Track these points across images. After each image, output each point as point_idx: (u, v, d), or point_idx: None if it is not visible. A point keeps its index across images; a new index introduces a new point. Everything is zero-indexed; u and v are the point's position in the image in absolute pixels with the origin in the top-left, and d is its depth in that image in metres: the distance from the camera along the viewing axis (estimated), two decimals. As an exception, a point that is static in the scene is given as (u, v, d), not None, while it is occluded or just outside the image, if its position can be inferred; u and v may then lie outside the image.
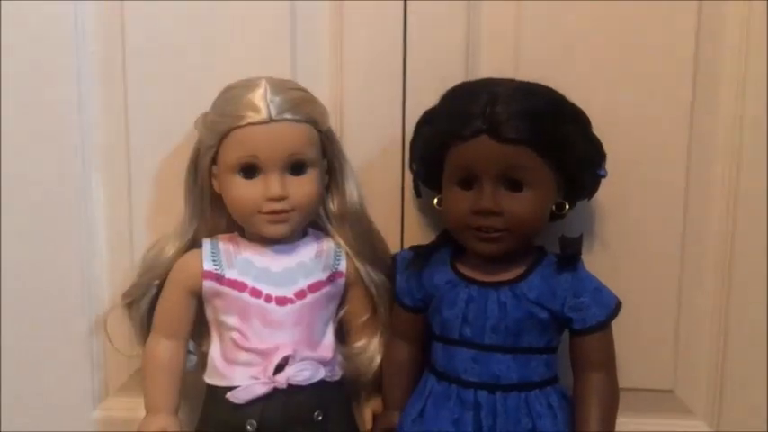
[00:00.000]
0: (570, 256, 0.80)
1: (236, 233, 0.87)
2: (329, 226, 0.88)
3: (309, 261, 0.85)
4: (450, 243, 0.84)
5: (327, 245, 0.87)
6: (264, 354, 0.81)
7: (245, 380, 0.81)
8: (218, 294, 0.83)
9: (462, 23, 0.88)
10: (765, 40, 0.86)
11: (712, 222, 0.90)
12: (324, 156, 0.85)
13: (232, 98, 0.81)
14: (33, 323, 0.94)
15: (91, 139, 0.91)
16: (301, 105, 0.81)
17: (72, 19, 0.89)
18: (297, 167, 0.81)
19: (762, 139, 0.88)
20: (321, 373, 0.83)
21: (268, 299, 0.82)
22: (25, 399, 0.95)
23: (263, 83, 0.81)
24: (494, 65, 0.87)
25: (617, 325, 0.81)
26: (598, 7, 0.87)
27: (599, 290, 0.80)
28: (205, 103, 0.84)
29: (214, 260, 0.83)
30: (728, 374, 0.93)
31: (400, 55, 0.89)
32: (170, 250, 0.85)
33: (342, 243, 0.87)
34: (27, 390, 0.95)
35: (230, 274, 0.83)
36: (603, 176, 0.83)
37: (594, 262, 0.86)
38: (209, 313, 0.85)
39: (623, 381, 0.83)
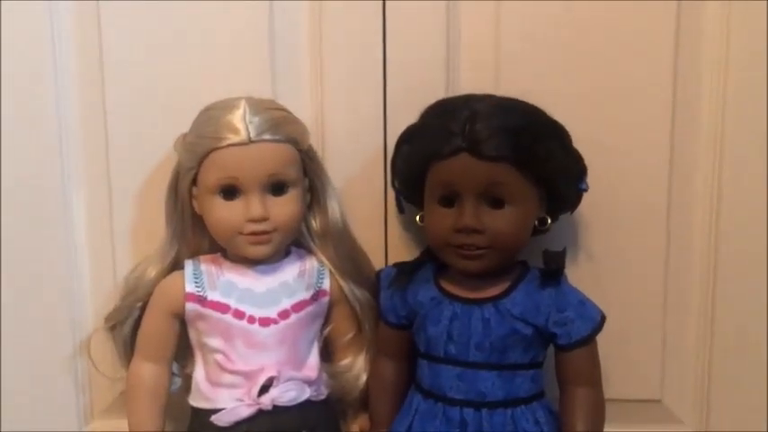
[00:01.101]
0: (554, 271, 0.80)
1: (218, 254, 0.86)
2: (312, 244, 0.87)
3: (292, 280, 0.84)
4: (433, 260, 0.84)
5: (310, 263, 0.86)
6: (249, 375, 0.81)
7: (229, 402, 0.81)
8: (200, 316, 0.82)
9: (441, 38, 0.88)
10: (744, 49, 0.87)
11: (695, 232, 0.90)
12: (305, 174, 0.85)
13: (211, 119, 0.80)
14: (17, 347, 0.93)
15: (71, 161, 0.91)
16: (281, 125, 0.81)
17: (50, 38, 0.89)
18: (277, 187, 0.81)
19: (743, 149, 0.88)
20: (306, 393, 0.83)
21: (251, 320, 0.82)
22: (11, 422, 0.94)
23: (242, 103, 0.80)
24: (474, 79, 0.87)
25: (603, 336, 0.81)
26: (578, 18, 0.87)
27: (583, 303, 0.80)
28: (185, 123, 0.83)
29: (196, 282, 0.83)
30: (715, 383, 0.93)
31: (380, 71, 0.89)
32: (152, 272, 0.85)
33: (325, 261, 0.86)
34: (13, 413, 0.94)
35: (213, 295, 0.82)
36: (585, 190, 0.83)
37: (579, 275, 0.86)
38: (192, 335, 0.84)
39: (611, 392, 0.83)
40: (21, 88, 0.89)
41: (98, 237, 0.92)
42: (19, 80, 0.89)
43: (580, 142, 0.81)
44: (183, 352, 0.87)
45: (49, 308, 0.92)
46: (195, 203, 0.84)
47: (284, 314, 0.83)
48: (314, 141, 0.86)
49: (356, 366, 0.88)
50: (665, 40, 0.87)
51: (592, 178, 0.83)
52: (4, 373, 0.93)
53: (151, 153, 0.90)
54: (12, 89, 0.89)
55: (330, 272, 0.86)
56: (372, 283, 0.87)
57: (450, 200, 0.78)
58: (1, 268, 0.92)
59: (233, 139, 0.79)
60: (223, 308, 0.82)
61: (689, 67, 0.87)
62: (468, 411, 0.79)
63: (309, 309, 0.84)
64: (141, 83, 0.89)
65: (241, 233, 0.80)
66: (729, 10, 0.86)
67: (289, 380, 0.81)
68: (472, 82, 0.86)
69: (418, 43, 0.88)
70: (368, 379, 0.88)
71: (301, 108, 0.86)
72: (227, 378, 0.81)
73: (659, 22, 0.87)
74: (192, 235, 0.86)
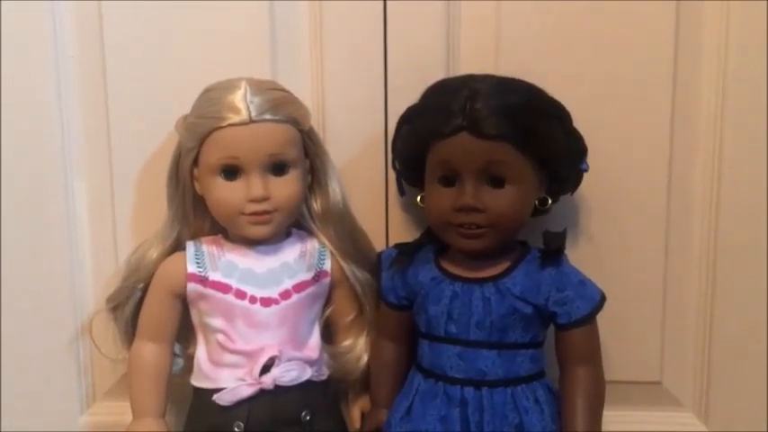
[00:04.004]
0: (554, 251, 0.80)
1: (219, 235, 0.86)
2: (313, 226, 0.88)
3: (293, 261, 0.85)
4: (434, 240, 0.84)
5: (311, 245, 0.87)
6: (250, 355, 0.81)
7: (231, 382, 0.81)
8: (202, 297, 0.82)
9: (442, 20, 0.88)
10: (744, 36, 0.87)
11: (696, 213, 0.90)
12: (306, 155, 0.85)
13: (212, 99, 0.81)
14: (19, 329, 0.93)
15: (72, 143, 0.91)
16: (282, 105, 0.81)
17: (51, 23, 0.89)
18: (278, 168, 0.81)
19: (742, 130, 0.88)
20: (308, 374, 0.83)
21: (252, 300, 0.82)
22: (13, 405, 0.95)
23: (243, 83, 0.80)
24: (474, 61, 0.87)
25: (603, 318, 0.81)
26: (577, 4, 0.87)
27: (583, 283, 0.80)
28: (186, 106, 0.83)
29: (198, 262, 0.83)
30: (715, 364, 0.93)
31: (381, 52, 0.89)
32: (153, 253, 0.85)
33: (326, 242, 0.87)
34: (15, 396, 0.95)
35: (214, 276, 0.82)
36: (585, 170, 0.83)
37: (579, 256, 0.86)
38: (194, 316, 0.85)
39: (611, 374, 0.84)
40: (22, 74, 0.89)
41: (99, 220, 0.92)
42: (20, 66, 0.89)
43: (581, 124, 0.81)
44: (185, 333, 0.87)
45: (50, 291, 0.93)
46: (196, 184, 0.84)
47: (285, 294, 0.83)
48: (314, 123, 0.86)
49: (357, 347, 0.88)
50: (665, 21, 0.87)
51: (592, 160, 0.83)
52: (5, 356, 0.94)
53: (152, 137, 0.90)
54: (13, 75, 0.89)
55: (331, 253, 0.86)
56: (373, 264, 0.88)
57: (450, 179, 0.78)
58: (2, 252, 0.92)
59: (234, 118, 0.79)
60: (224, 288, 0.82)
61: (690, 45, 0.87)
62: (469, 390, 0.79)
63: (310, 289, 0.85)
64: (142, 65, 0.89)
65: (242, 213, 0.81)
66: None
67: (290, 360, 0.82)
68: (472, 63, 0.86)
69: (419, 25, 0.88)
70: (369, 360, 0.88)
71: (302, 90, 0.87)
72: (229, 358, 0.82)
73: (660, 4, 0.87)
74: (194, 216, 0.86)
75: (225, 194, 0.81)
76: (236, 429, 0.80)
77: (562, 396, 0.80)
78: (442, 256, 0.83)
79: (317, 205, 0.87)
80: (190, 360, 0.86)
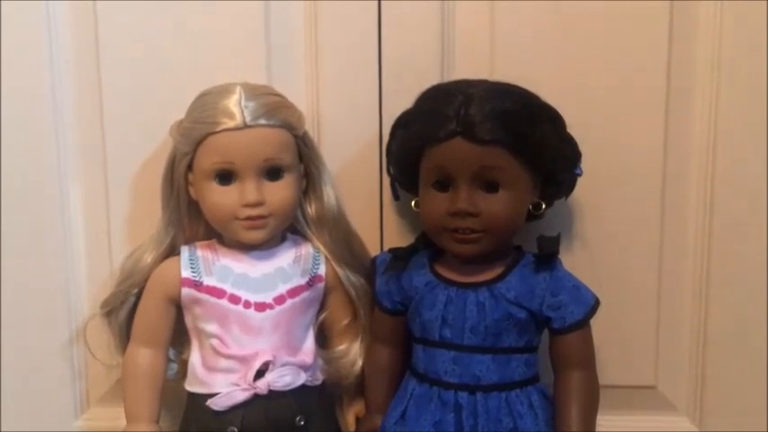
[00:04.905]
0: (548, 256, 0.80)
1: (214, 240, 0.86)
2: (308, 230, 0.88)
3: (288, 266, 0.85)
4: (428, 245, 0.84)
5: (306, 249, 0.87)
6: (244, 360, 0.81)
7: (225, 387, 0.81)
8: (196, 301, 0.82)
9: (436, 25, 0.89)
10: (738, 36, 0.87)
11: (690, 219, 0.91)
12: (300, 160, 0.85)
13: (206, 104, 0.81)
14: (13, 334, 0.93)
15: (67, 148, 0.91)
16: (276, 110, 0.81)
17: (46, 29, 0.89)
18: (273, 173, 0.81)
19: (736, 133, 0.89)
20: (302, 378, 0.83)
21: (247, 305, 0.82)
22: (7, 409, 0.95)
23: (238, 88, 0.81)
24: (468, 65, 0.88)
25: (598, 322, 0.81)
26: (572, 7, 0.88)
27: (577, 288, 0.80)
28: (180, 110, 0.83)
29: (192, 267, 0.83)
30: (710, 368, 0.93)
31: (375, 58, 0.89)
32: (148, 258, 0.85)
33: (321, 247, 0.87)
34: (8, 401, 0.94)
35: (209, 280, 0.82)
36: (579, 175, 0.83)
37: (573, 261, 0.87)
38: (188, 321, 0.85)
39: (605, 378, 0.84)
40: (17, 78, 0.89)
41: (94, 224, 0.92)
42: (15, 71, 0.89)
43: (575, 128, 0.82)
44: (179, 338, 0.87)
45: (45, 295, 0.93)
46: (191, 189, 0.84)
47: (280, 299, 0.83)
48: (309, 128, 0.87)
49: (351, 352, 0.88)
50: (659, 26, 0.87)
51: (586, 164, 0.83)
52: (0, 361, 0.94)
53: (147, 141, 0.90)
54: (8, 79, 0.89)
55: (326, 258, 0.86)
56: (368, 269, 0.88)
57: (444, 184, 0.79)
58: (-2, 256, 0.92)
59: (228, 123, 0.79)
60: (219, 293, 0.82)
61: (683, 52, 0.88)
62: (463, 395, 0.79)
63: (305, 294, 0.85)
64: (137, 69, 0.89)
65: (237, 218, 0.81)
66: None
67: (284, 365, 0.82)
68: (467, 68, 0.87)
69: (414, 30, 0.88)
70: (363, 365, 0.88)
71: (297, 94, 0.87)
72: (223, 363, 0.82)
73: (653, 9, 0.87)
74: (188, 221, 0.86)
75: (219, 199, 0.81)
76: (229, 434, 0.80)
77: (556, 400, 0.80)
78: (436, 260, 0.84)
79: (311, 210, 0.87)
80: (184, 365, 0.86)
